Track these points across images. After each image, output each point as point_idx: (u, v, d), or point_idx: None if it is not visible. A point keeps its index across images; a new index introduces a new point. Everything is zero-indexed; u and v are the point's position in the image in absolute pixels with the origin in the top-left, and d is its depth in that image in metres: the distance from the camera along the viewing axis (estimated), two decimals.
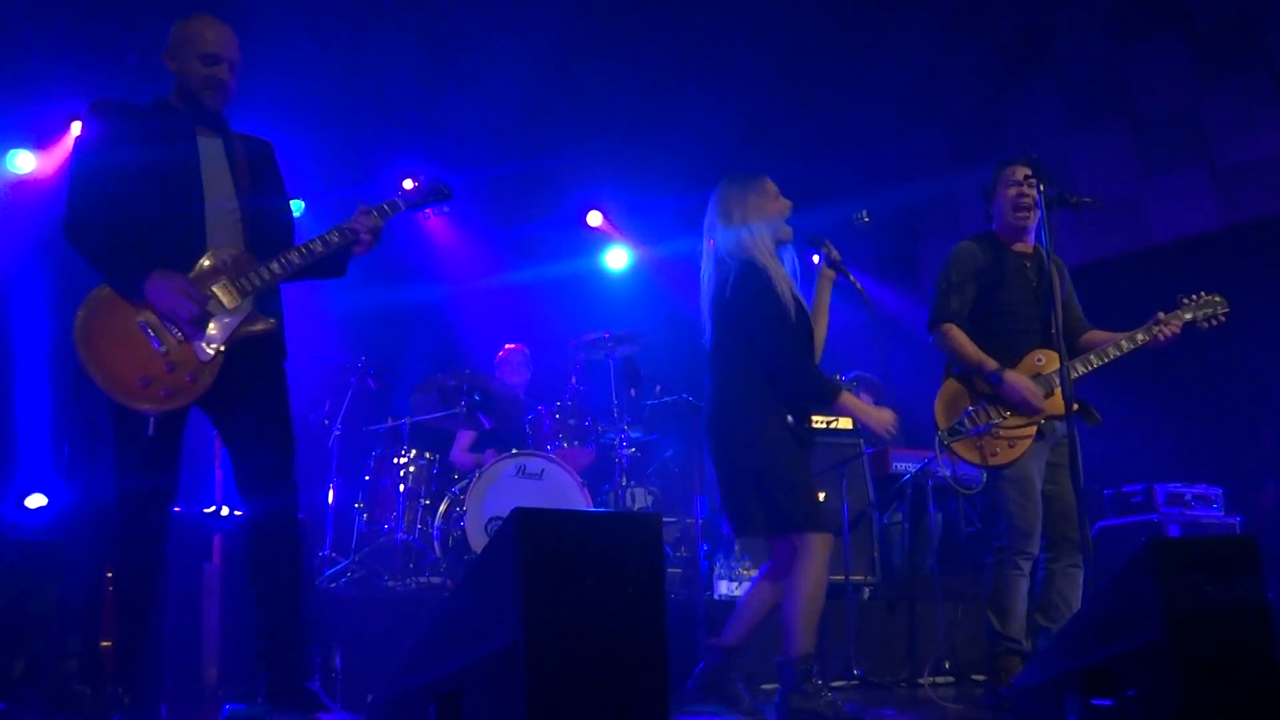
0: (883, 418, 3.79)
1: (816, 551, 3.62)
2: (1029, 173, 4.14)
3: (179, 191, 3.22)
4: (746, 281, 3.73)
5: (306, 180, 6.74)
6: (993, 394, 4.01)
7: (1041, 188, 3.78)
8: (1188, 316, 4.11)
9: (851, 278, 3.98)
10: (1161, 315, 4.09)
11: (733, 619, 3.84)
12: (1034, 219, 4.18)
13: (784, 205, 3.90)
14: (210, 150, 3.32)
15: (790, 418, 3.73)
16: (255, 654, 3.18)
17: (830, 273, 3.96)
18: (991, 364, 4.01)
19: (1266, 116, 7.06)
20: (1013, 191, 4.18)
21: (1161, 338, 4.06)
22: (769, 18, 8.03)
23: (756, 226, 3.81)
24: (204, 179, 3.26)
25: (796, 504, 3.62)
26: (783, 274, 3.78)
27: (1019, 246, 4.23)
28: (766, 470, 3.64)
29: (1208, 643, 2.37)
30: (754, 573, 5.59)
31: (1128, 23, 7.76)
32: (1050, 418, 3.97)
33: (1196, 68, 7.40)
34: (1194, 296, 4.15)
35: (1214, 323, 4.14)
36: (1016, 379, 3.97)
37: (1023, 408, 3.96)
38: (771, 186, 3.90)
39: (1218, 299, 4.16)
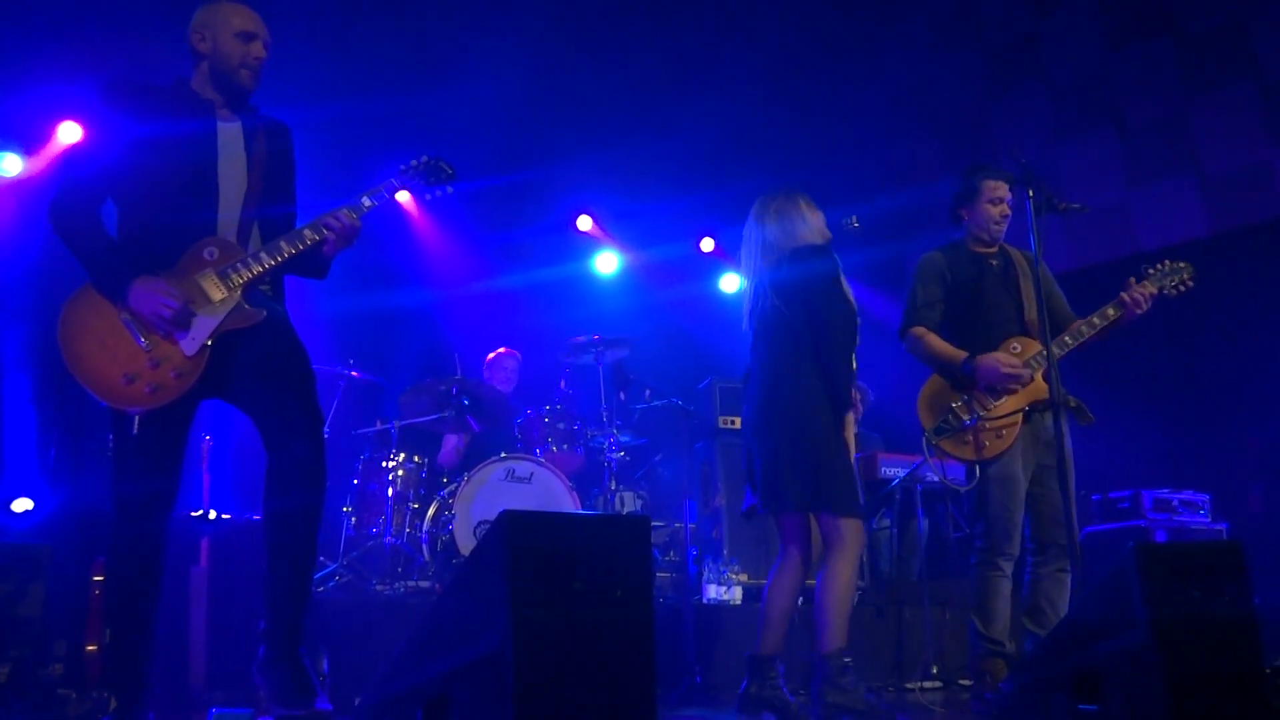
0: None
1: (853, 541, 3.70)
2: (1005, 191, 4.20)
3: (193, 188, 3.15)
4: (819, 262, 3.80)
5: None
6: (972, 384, 4.03)
7: (1030, 193, 3.80)
8: (1154, 288, 4.13)
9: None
10: (1132, 281, 4.12)
11: (762, 625, 3.85)
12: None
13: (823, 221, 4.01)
14: (229, 138, 3.24)
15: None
16: (256, 629, 3.13)
17: None
18: (961, 354, 4.06)
19: (1253, 125, 7.11)
20: (995, 211, 4.23)
21: (1135, 310, 4.07)
22: (759, 24, 8.05)
23: (813, 222, 3.94)
24: (219, 173, 3.19)
25: (844, 486, 3.68)
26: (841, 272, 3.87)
27: (982, 249, 4.29)
28: (818, 449, 3.69)
29: (1193, 648, 2.38)
30: (743, 577, 5.61)
31: (1116, 31, 7.80)
32: (1036, 403, 3.99)
33: (1184, 76, 7.44)
34: (1159, 265, 4.19)
35: (1181, 289, 4.16)
36: (987, 358, 4.01)
37: (1005, 381, 3.98)
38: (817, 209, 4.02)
39: (1182, 265, 4.19)
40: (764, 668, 3.78)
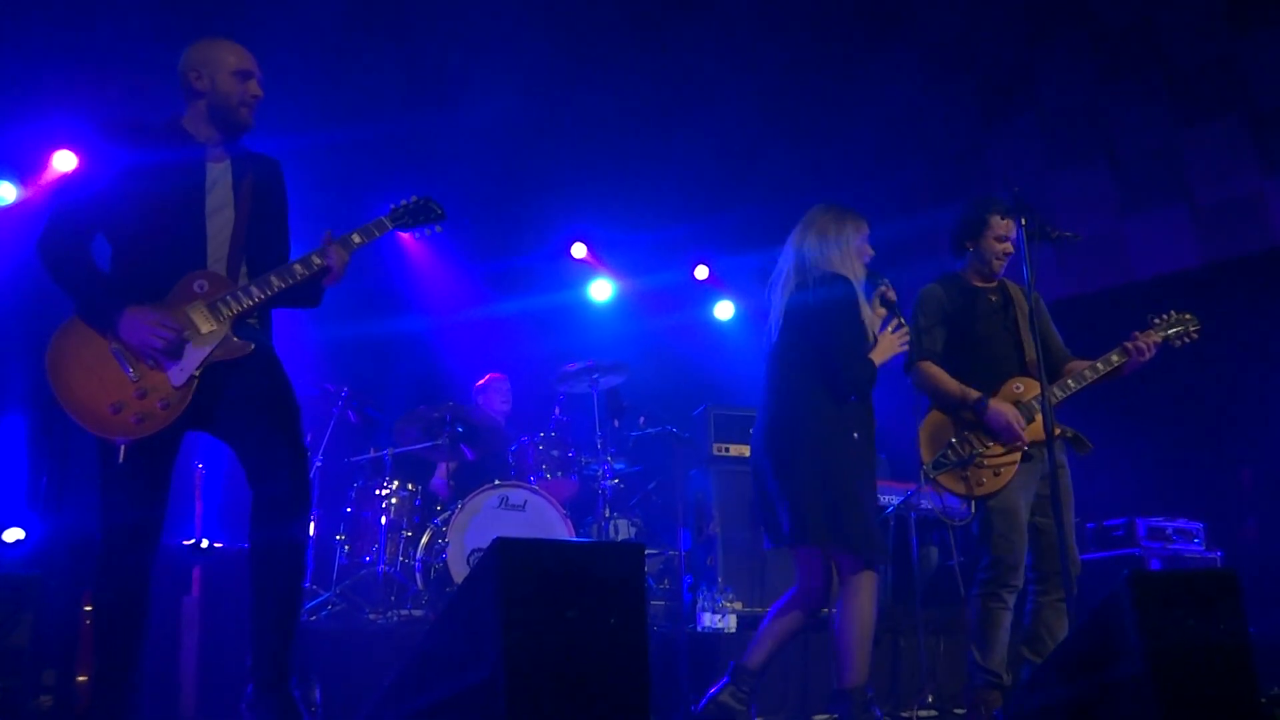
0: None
1: (870, 578, 3.68)
2: (1012, 230, 4.18)
3: (181, 226, 3.19)
4: (834, 290, 3.76)
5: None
6: (976, 423, 4.03)
7: (1024, 221, 3.82)
8: (1159, 337, 4.13)
9: (901, 318, 4.00)
10: (1137, 334, 4.13)
11: (755, 641, 3.83)
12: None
13: (868, 249, 3.96)
14: (217, 175, 3.29)
15: (855, 434, 3.74)
16: (244, 665, 3.11)
17: (882, 310, 3.96)
18: (974, 393, 4.04)
19: (1245, 155, 7.15)
20: (1000, 248, 4.22)
21: (1139, 358, 4.08)
22: (754, 54, 8.11)
23: (851, 247, 3.89)
24: (207, 209, 3.23)
25: (864, 527, 3.65)
26: (864, 300, 3.84)
27: (982, 283, 4.29)
28: (832, 483, 3.65)
29: (1188, 676, 2.37)
30: (738, 605, 5.59)
31: (1108, 62, 7.85)
32: (1034, 443, 3.98)
33: (1176, 107, 7.50)
34: (1165, 315, 4.19)
35: (1186, 340, 4.17)
36: (1000, 406, 3.99)
37: (1005, 435, 3.97)
38: (866, 228, 3.97)
39: (1188, 316, 4.19)
40: (744, 679, 3.76)
